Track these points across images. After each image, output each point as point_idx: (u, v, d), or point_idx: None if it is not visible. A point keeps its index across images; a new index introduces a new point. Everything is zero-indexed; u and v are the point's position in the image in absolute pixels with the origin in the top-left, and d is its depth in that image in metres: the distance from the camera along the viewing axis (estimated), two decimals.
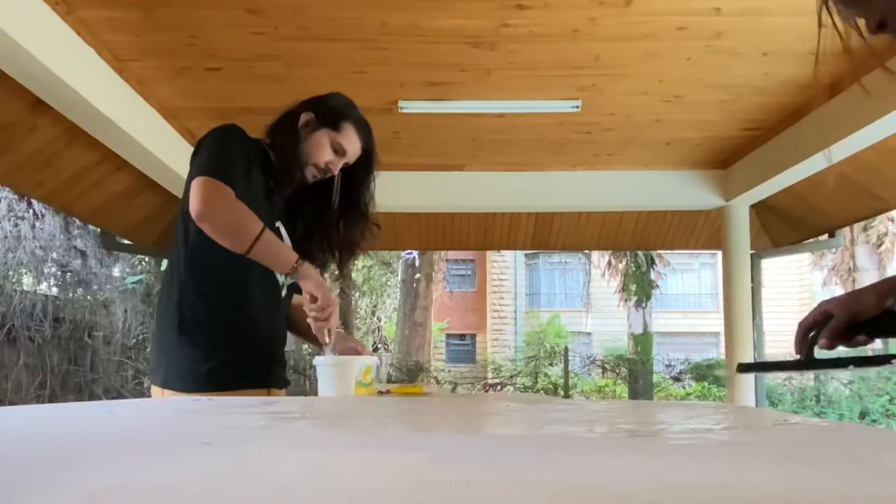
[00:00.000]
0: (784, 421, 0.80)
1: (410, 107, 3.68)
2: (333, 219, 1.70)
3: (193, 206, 1.39)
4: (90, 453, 0.52)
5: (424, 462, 0.46)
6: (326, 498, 0.34)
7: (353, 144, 1.65)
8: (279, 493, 0.34)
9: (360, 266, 13.65)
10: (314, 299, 1.49)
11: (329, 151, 1.63)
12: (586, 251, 14.88)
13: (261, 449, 0.53)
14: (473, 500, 0.33)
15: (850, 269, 12.68)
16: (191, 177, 1.48)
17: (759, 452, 0.51)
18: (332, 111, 1.66)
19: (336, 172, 1.66)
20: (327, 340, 1.51)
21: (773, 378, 11.25)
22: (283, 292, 1.65)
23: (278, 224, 1.65)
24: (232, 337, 1.54)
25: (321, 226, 1.70)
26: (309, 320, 1.51)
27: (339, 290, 11.97)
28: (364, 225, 1.71)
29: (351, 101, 1.71)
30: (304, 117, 1.65)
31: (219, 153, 1.52)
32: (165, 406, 1.09)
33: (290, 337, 1.79)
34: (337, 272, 1.79)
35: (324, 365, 1.46)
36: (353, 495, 0.35)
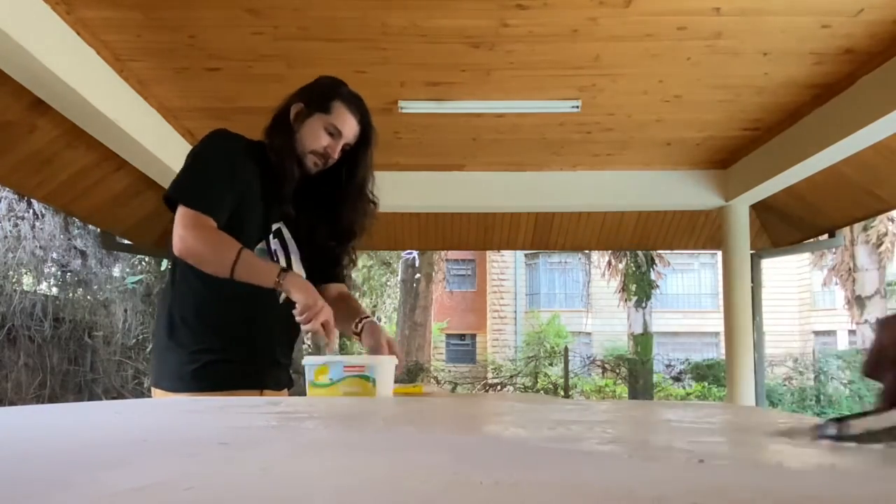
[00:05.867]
0: (799, 421, 0.79)
1: (410, 107, 3.68)
2: (335, 205, 1.69)
3: (173, 242, 1.48)
4: (110, 453, 0.52)
5: (449, 463, 0.46)
6: (359, 499, 0.34)
7: (347, 123, 1.62)
8: (312, 495, 0.34)
9: (361, 266, 13.65)
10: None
11: (324, 135, 1.61)
12: (586, 251, 14.88)
13: (280, 450, 0.53)
14: (509, 501, 0.32)
15: (850, 269, 12.67)
16: (168, 191, 1.53)
17: (783, 452, 0.51)
18: (319, 95, 1.63)
19: (336, 156, 1.64)
20: (326, 341, 1.50)
21: (773, 378, 11.25)
22: (284, 296, 1.64)
23: (278, 225, 1.63)
24: (221, 339, 1.54)
25: (325, 216, 1.69)
26: (301, 327, 1.51)
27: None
28: (362, 203, 1.69)
29: (338, 79, 1.68)
30: (294, 109, 1.63)
31: (197, 171, 1.55)
32: (171, 406, 1.09)
33: None
34: (348, 261, 1.77)
35: (310, 365, 1.45)
36: (384, 496, 0.34)
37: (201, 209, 1.47)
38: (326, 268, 1.76)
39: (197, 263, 1.48)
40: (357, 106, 1.65)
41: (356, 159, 1.68)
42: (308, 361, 1.45)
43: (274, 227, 1.62)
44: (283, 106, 1.66)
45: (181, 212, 1.48)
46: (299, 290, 1.46)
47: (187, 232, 1.46)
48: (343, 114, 1.62)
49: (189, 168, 1.55)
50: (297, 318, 1.47)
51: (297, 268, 1.66)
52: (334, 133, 1.62)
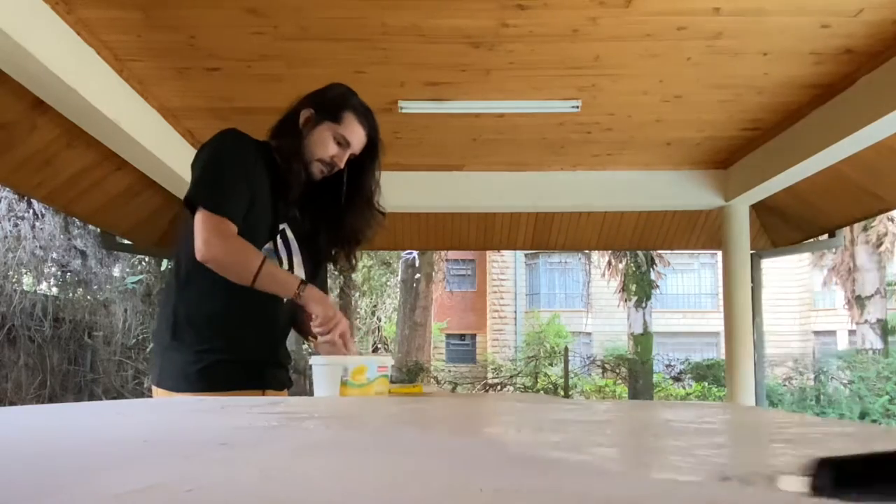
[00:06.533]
0: (801, 421, 0.80)
1: (410, 107, 3.68)
2: (339, 210, 1.69)
3: (196, 248, 1.47)
4: (111, 454, 0.52)
5: (448, 468, 0.45)
6: (359, 502, 0.34)
7: (356, 134, 1.64)
8: (313, 496, 0.34)
9: (360, 266, 13.65)
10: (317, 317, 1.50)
11: (332, 145, 1.62)
12: (586, 251, 14.88)
13: (280, 450, 0.53)
14: None
15: (849, 269, 12.68)
16: (190, 194, 1.51)
17: (783, 452, 0.51)
18: (330, 103, 1.64)
19: (342, 165, 1.65)
20: (344, 352, 1.52)
21: (773, 378, 11.25)
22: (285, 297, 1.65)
23: (283, 226, 1.64)
24: (225, 339, 1.55)
25: (328, 219, 1.70)
26: (318, 338, 1.52)
27: (339, 290, 11.97)
28: (369, 213, 1.70)
29: (349, 89, 1.69)
30: (304, 114, 1.64)
31: (215, 173, 1.53)
32: (171, 406, 1.09)
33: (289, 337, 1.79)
34: (347, 265, 1.78)
35: (319, 365, 1.46)
36: (385, 500, 0.34)
37: (224, 214, 1.47)
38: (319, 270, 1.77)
39: (220, 270, 1.48)
40: (367, 118, 1.67)
41: (363, 169, 1.69)
42: (318, 361, 1.46)
43: (279, 227, 1.63)
44: (292, 109, 1.66)
45: (204, 217, 1.47)
46: (318, 304, 1.49)
47: (214, 239, 1.45)
48: (353, 124, 1.64)
49: (207, 170, 1.54)
50: (315, 330, 1.50)
51: (299, 269, 1.67)
52: (342, 143, 1.63)
